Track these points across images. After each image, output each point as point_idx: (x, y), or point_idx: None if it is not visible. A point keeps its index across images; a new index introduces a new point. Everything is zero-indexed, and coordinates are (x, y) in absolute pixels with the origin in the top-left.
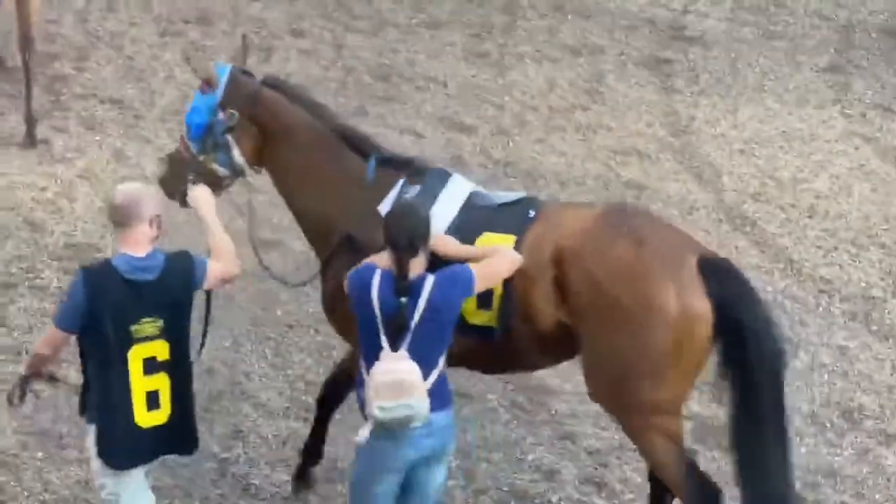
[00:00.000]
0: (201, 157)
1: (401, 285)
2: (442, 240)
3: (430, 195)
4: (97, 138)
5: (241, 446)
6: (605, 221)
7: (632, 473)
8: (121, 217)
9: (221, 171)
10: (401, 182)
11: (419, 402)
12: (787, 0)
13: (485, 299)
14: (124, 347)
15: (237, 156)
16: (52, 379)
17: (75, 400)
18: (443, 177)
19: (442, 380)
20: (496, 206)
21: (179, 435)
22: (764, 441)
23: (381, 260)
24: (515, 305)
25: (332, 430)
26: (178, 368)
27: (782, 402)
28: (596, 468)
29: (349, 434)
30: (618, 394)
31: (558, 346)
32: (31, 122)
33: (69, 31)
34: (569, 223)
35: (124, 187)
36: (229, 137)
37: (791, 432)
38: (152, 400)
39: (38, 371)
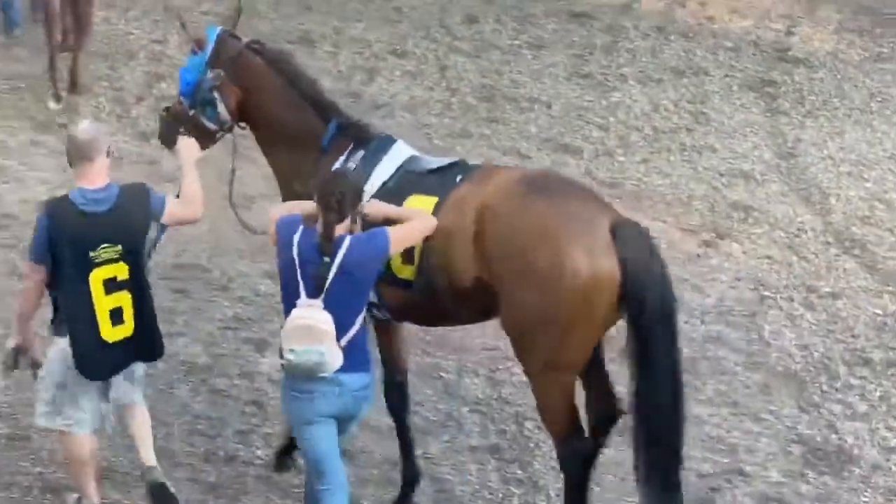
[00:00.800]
0: (192, 112)
1: (324, 246)
2: (370, 204)
3: (372, 159)
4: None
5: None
6: (526, 184)
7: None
8: (86, 152)
9: (209, 125)
10: (350, 147)
11: (328, 351)
12: (894, 21)
13: (408, 255)
14: (84, 271)
15: (223, 111)
16: (35, 365)
17: None
18: (386, 143)
19: (359, 343)
20: (426, 170)
21: (145, 345)
22: (658, 398)
23: (310, 214)
24: (437, 261)
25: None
26: (138, 287)
27: (678, 362)
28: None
29: None
30: (528, 348)
31: (478, 301)
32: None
33: (174, 52)
34: (492, 185)
35: (82, 125)
36: (215, 94)
37: (683, 392)
38: (116, 316)
39: (28, 339)
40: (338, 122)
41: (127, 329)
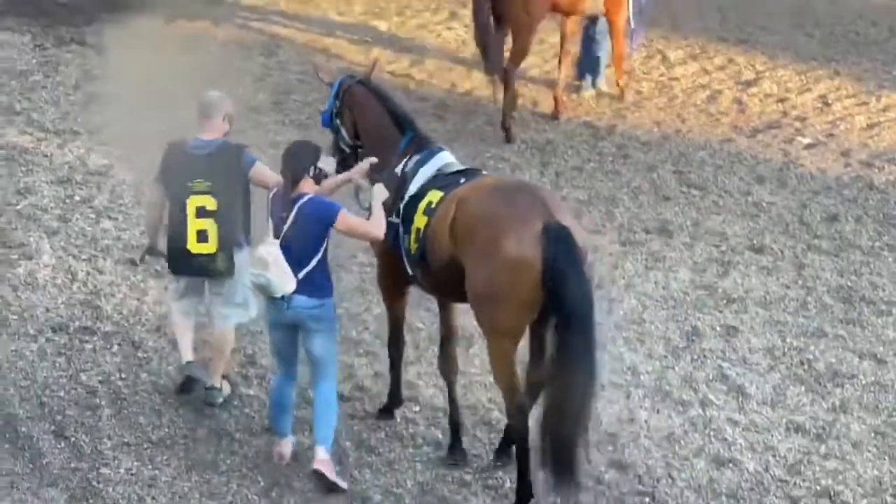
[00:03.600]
0: (333, 137)
1: (285, 202)
2: (379, 191)
3: (420, 163)
4: None
5: None
6: (496, 185)
7: None
8: (204, 110)
9: (343, 146)
10: (412, 153)
11: (275, 278)
12: None
13: (417, 235)
14: (184, 196)
15: (345, 134)
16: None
17: None
18: (434, 151)
19: (315, 276)
20: (447, 174)
21: (222, 264)
22: (572, 369)
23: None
24: (430, 240)
25: None
26: (223, 218)
27: (592, 346)
28: None
29: None
30: (477, 315)
31: (456, 275)
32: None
33: None
34: (475, 185)
35: (210, 92)
36: (338, 121)
37: (597, 372)
38: (202, 236)
39: (154, 240)
40: (410, 134)
41: (210, 247)
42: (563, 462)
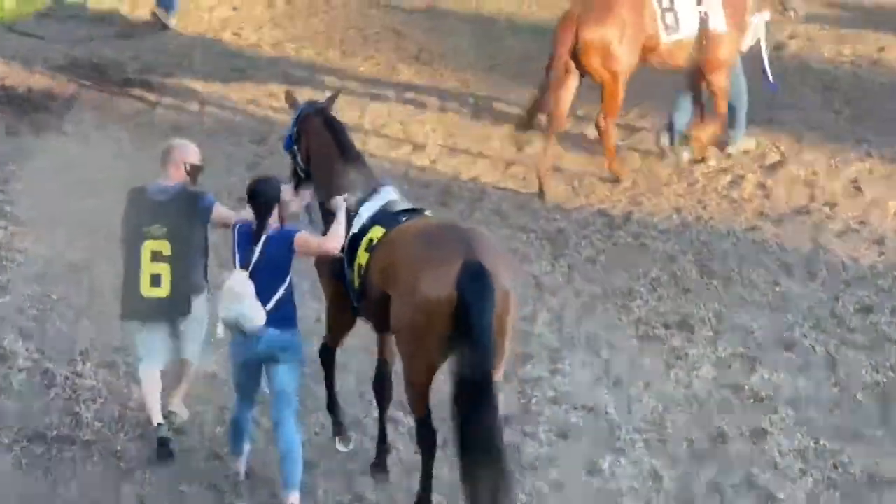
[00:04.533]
0: (292, 162)
1: (255, 235)
2: (339, 223)
3: (364, 200)
4: (569, 446)
5: None
6: (425, 226)
7: None
8: (164, 156)
9: (299, 171)
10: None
11: (248, 310)
12: None
13: (359, 271)
14: (139, 241)
15: (300, 160)
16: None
17: None
18: (378, 189)
19: (283, 307)
20: (392, 211)
21: (175, 308)
22: (473, 407)
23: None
24: (368, 276)
25: None
26: (178, 262)
27: (489, 378)
28: None
29: None
30: (398, 346)
31: (387, 308)
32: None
33: (543, 331)
34: (408, 226)
35: (172, 140)
36: (295, 147)
37: (496, 405)
38: (155, 280)
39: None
40: (354, 167)
41: (163, 291)
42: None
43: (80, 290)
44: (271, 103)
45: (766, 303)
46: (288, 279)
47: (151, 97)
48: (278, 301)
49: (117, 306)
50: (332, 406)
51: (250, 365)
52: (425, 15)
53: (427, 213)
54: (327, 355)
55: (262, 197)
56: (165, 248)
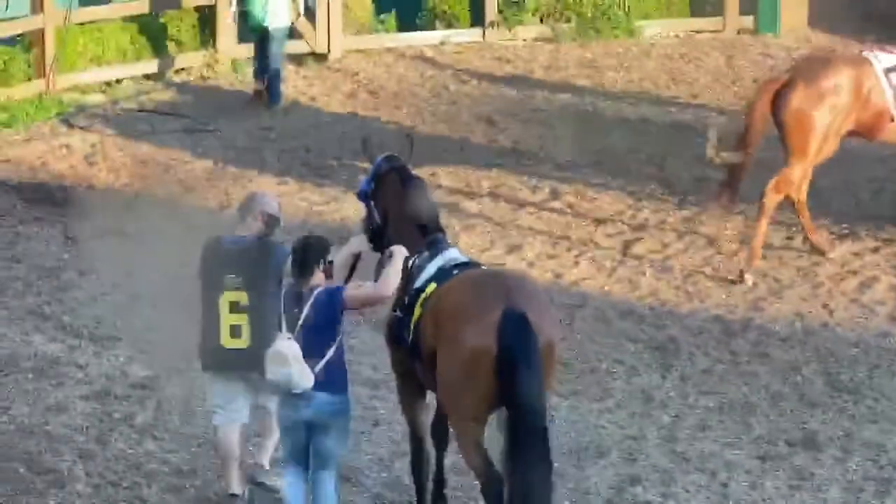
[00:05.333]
0: (365, 213)
1: (297, 296)
2: (394, 268)
3: (427, 260)
4: None
5: None
6: (470, 277)
7: None
8: (240, 207)
9: (373, 226)
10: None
11: (296, 374)
12: None
13: (414, 327)
14: (217, 292)
15: (376, 216)
16: None
17: None
18: (441, 249)
19: (333, 370)
20: (447, 268)
21: (256, 358)
22: (526, 461)
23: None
24: (420, 332)
25: None
26: (256, 313)
27: (541, 429)
28: None
29: None
30: (443, 401)
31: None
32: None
33: (653, 450)
34: (457, 278)
35: (250, 192)
36: (371, 202)
37: (549, 455)
38: (235, 331)
39: None
40: (431, 237)
41: (243, 342)
42: None
43: (144, 410)
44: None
45: None
46: (338, 340)
47: (218, 196)
48: (327, 363)
49: (186, 427)
50: None
51: (297, 427)
52: (521, 105)
53: (483, 267)
54: (415, 445)
55: (305, 255)
56: (243, 298)
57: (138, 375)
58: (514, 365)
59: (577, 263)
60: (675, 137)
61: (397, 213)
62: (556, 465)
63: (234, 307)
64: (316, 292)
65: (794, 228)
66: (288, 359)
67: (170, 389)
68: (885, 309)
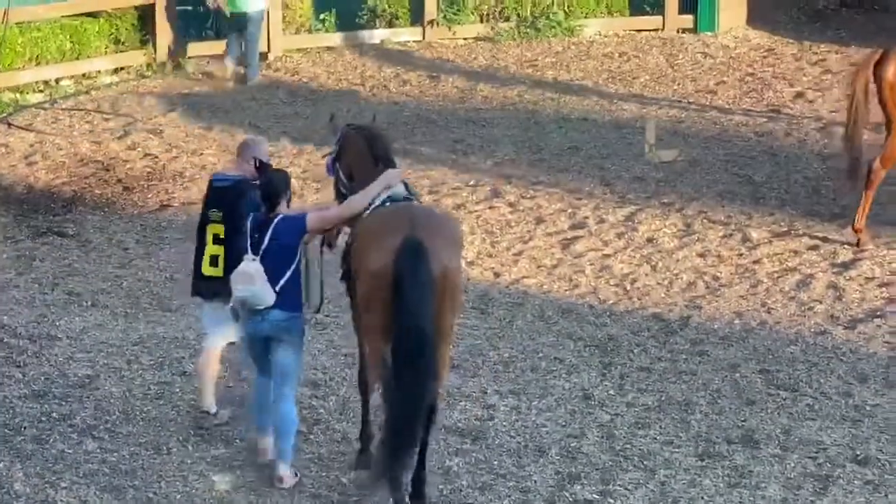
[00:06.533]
0: (334, 181)
1: (262, 224)
2: (365, 191)
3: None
4: None
5: None
6: (383, 210)
7: None
8: (238, 149)
9: (342, 189)
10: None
11: (259, 291)
12: None
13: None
14: (205, 224)
15: (343, 177)
16: None
17: None
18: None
19: (288, 290)
20: (381, 202)
21: (228, 287)
22: (404, 379)
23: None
24: (348, 259)
25: None
26: (230, 244)
27: (425, 349)
28: None
29: None
30: (357, 319)
31: None
32: None
33: (592, 448)
34: (380, 210)
35: (248, 136)
36: (337, 166)
37: (428, 378)
38: (214, 260)
39: None
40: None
41: (219, 271)
42: (387, 462)
43: (83, 409)
44: None
45: (838, 415)
46: (295, 263)
47: (157, 199)
48: (284, 285)
49: (124, 426)
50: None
51: (258, 340)
52: (461, 105)
53: (413, 203)
54: (362, 366)
55: (271, 187)
56: (222, 231)
57: (77, 375)
58: (404, 287)
59: (516, 262)
60: (615, 136)
61: (359, 163)
62: (495, 464)
63: (216, 238)
64: (276, 219)
65: (731, 227)
66: (254, 277)
67: (109, 388)
68: (823, 307)
